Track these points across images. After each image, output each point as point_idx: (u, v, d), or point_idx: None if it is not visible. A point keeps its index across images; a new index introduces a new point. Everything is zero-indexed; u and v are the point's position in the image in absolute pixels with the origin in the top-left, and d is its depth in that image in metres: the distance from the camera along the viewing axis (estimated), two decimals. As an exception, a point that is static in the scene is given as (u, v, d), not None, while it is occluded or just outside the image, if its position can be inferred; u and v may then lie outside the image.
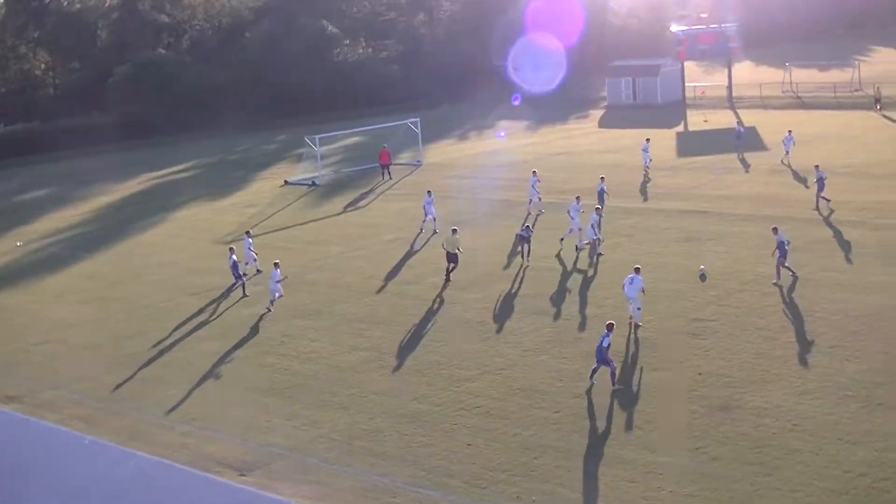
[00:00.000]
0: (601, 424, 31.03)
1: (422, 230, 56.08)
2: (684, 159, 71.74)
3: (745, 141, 75.20)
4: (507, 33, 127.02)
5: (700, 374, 34.06)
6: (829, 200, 54.44)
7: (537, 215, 58.43)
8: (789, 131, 68.08)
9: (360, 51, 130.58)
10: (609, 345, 33.10)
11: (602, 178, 59.42)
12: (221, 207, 71.47)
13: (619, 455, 28.88)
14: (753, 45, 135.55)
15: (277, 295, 44.81)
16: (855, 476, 26.49)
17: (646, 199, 60.76)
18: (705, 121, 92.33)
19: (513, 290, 44.99)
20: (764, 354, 35.20)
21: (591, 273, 46.75)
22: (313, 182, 76.56)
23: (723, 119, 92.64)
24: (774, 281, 42.41)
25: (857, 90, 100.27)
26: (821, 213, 53.48)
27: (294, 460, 30.18)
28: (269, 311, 44.58)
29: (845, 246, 47.11)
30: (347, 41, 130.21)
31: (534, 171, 61.33)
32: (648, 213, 56.91)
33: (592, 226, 49.12)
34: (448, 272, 47.25)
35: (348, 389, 35.51)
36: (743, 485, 26.60)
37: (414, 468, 29.16)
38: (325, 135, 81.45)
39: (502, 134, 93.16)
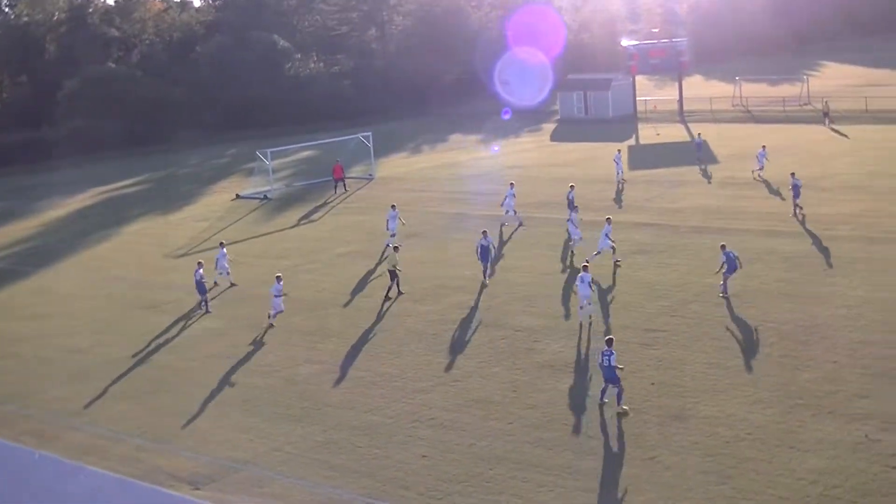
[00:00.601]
0: (555, 435, 31.06)
1: (388, 245, 55.72)
2: (636, 172, 72.06)
3: (704, 152, 75.88)
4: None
5: (653, 384, 34.21)
6: (801, 208, 55.48)
7: (517, 227, 58.50)
8: (763, 146, 68.17)
9: (312, 65, 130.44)
10: (615, 362, 32.02)
11: (572, 186, 60.05)
12: (172, 221, 71.08)
13: (574, 465, 28.95)
14: (704, 60, 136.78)
15: (279, 309, 43.99)
16: (807, 483, 26.69)
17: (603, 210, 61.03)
18: (657, 134, 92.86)
19: (466, 302, 44.98)
20: (716, 364, 35.41)
21: (542, 285, 46.82)
22: (265, 196, 76.33)
23: (674, 133, 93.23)
24: (721, 294, 42.67)
25: (805, 104, 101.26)
26: (797, 219, 54.16)
27: (248, 473, 30.04)
28: (272, 326, 43.79)
29: (796, 257, 47.48)
30: (299, 56, 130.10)
31: (511, 184, 61.26)
32: (601, 226, 57.01)
33: (606, 234, 48.85)
34: (388, 289, 47.01)
35: (302, 402, 35.39)
36: (696, 493, 26.74)
37: (369, 480, 29.10)
38: (277, 149, 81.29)
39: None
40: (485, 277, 47.77)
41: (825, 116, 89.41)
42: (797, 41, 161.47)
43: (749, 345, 36.95)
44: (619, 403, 32.16)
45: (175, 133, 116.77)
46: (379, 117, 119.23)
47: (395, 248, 48.30)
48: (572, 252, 51.15)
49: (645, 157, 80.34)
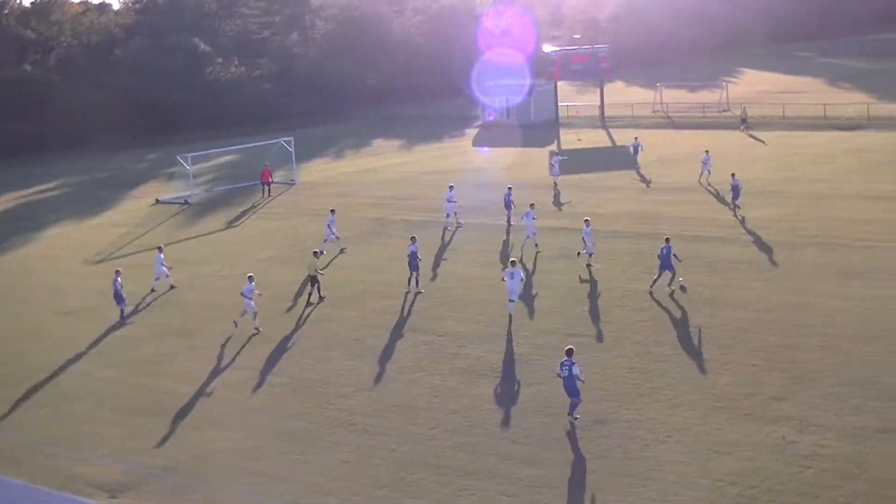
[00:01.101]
0: (477, 440, 31.08)
1: (343, 250, 55.45)
2: (558, 177, 72.29)
3: (628, 157, 76.68)
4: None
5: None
6: (739, 208, 57.15)
7: (455, 229, 58.62)
8: (707, 151, 68.65)
9: (234, 69, 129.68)
10: (578, 373, 31.25)
11: (510, 188, 61.26)
12: (91, 227, 70.17)
13: (497, 469, 28.98)
14: (625, 66, 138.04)
15: (252, 310, 42.93)
16: (725, 485, 26.98)
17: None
18: (579, 139, 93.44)
19: (389, 308, 44.88)
20: (637, 368, 35.67)
21: (466, 290, 46.86)
22: (186, 201, 75.68)
23: (596, 138, 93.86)
24: (668, 287, 44.07)
25: (725, 110, 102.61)
26: (737, 218, 54.91)
27: (169, 480, 29.70)
28: (258, 331, 42.69)
29: (716, 261, 47.99)
30: (220, 59, 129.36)
31: (450, 186, 61.16)
32: (523, 231, 57.28)
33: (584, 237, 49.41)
34: (310, 295, 46.81)
35: (224, 408, 35.09)
36: (617, 496, 26.91)
37: (290, 485, 28.92)
38: (198, 153, 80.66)
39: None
40: (408, 285, 47.06)
41: (742, 122, 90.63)
42: (716, 48, 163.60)
43: (670, 349, 37.26)
44: (570, 413, 31.52)
45: (93, 137, 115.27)
46: (301, 122, 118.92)
47: (315, 254, 47.94)
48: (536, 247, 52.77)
49: (567, 162, 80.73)
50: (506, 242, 55.72)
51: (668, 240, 44.78)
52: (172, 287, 50.62)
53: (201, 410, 35.08)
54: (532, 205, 53.42)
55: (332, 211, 57.42)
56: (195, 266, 54.92)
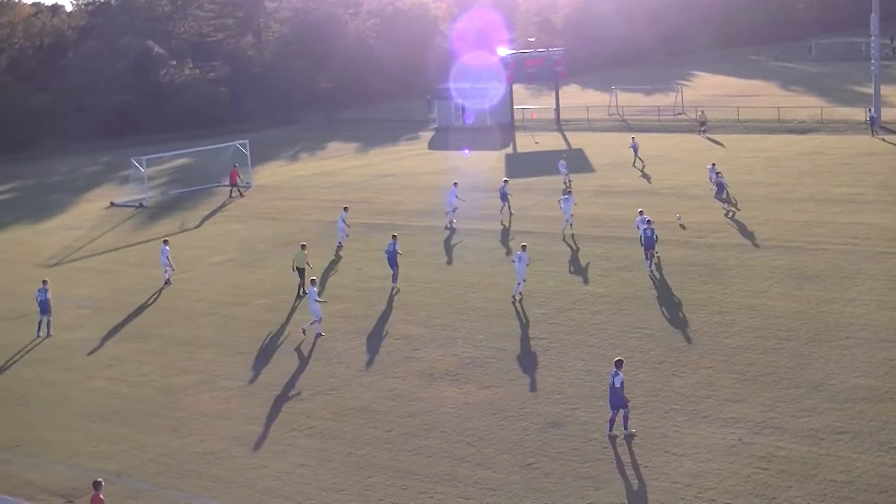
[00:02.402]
0: (434, 443, 31.03)
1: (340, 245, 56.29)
2: (513, 181, 72.18)
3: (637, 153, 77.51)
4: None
5: (531, 391, 34.38)
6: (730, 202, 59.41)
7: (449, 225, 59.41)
8: (712, 164, 66.60)
9: (188, 71, 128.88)
10: (622, 384, 30.44)
11: (505, 180, 63.26)
12: (43, 230, 69.51)
13: (453, 472, 28.94)
14: (580, 70, 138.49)
15: (318, 316, 41.84)
16: (682, 486, 27.07)
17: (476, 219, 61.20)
18: (536, 142, 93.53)
19: (344, 311, 44.74)
20: (593, 371, 35.72)
21: (422, 293, 46.79)
22: (140, 204, 75.16)
23: (552, 141, 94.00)
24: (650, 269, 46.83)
25: (680, 113, 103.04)
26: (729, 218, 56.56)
27: (122, 485, 29.43)
28: (321, 334, 41.68)
29: (669, 264, 48.17)
30: (174, 62, 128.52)
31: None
32: (478, 234, 57.37)
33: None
34: (300, 287, 46.91)
35: (178, 412, 34.83)
36: (574, 499, 26.94)
37: (246, 490, 28.76)
38: (152, 156, 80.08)
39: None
40: (394, 282, 47.74)
41: (701, 126, 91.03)
42: (669, 53, 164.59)
43: (625, 351, 37.30)
44: (624, 427, 30.65)
45: (44, 140, 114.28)
46: (255, 125, 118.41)
47: (303, 246, 48.63)
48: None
49: (522, 165, 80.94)
50: (505, 231, 57.65)
51: (650, 221, 47.91)
52: (167, 283, 50.97)
53: (155, 415, 34.79)
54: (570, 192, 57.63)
55: (346, 209, 57.81)
56: (150, 269, 54.44)
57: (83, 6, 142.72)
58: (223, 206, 72.58)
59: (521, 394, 34.18)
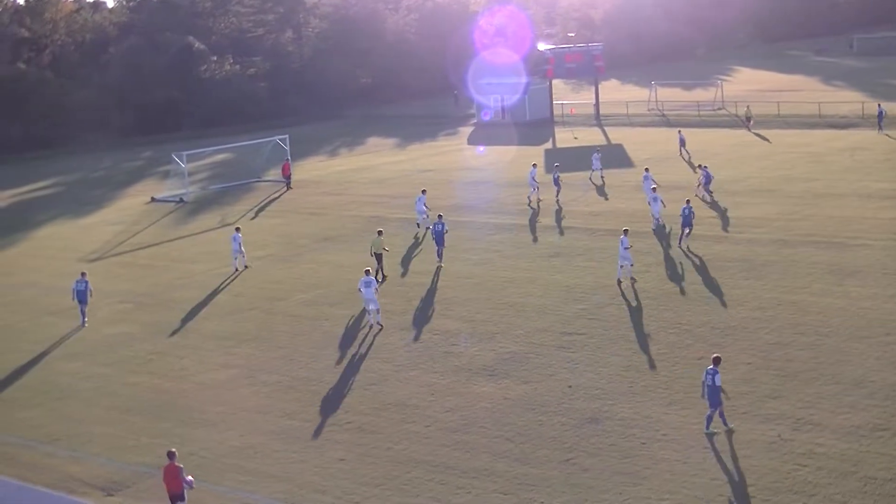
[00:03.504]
0: (473, 438, 31.04)
1: (426, 228, 57.01)
2: (601, 171, 71.59)
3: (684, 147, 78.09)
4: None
5: (570, 386, 34.35)
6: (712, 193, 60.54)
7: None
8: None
9: (228, 67, 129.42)
10: (720, 382, 29.89)
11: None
12: (85, 225, 70.06)
13: (491, 467, 28.95)
14: (619, 65, 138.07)
15: (376, 307, 41.99)
16: (721, 483, 26.96)
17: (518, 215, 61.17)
18: (575, 137, 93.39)
19: (383, 306, 44.76)
20: (632, 367, 35.65)
21: (460, 288, 46.83)
22: (181, 199, 75.59)
23: (591, 136, 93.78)
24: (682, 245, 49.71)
25: (720, 108, 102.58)
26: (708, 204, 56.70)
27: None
28: (381, 326, 42.01)
29: (710, 260, 47.98)
30: (214, 58, 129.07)
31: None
32: (517, 229, 57.33)
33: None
34: (379, 272, 48.22)
35: (217, 407, 35.02)
36: (612, 495, 26.88)
37: (285, 484, 28.86)
38: (192, 151, 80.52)
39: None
40: (439, 258, 50.35)
41: (748, 121, 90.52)
42: (710, 47, 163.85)
43: (664, 347, 37.24)
44: (724, 422, 30.24)
45: (87, 135, 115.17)
46: (295, 120, 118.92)
47: (379, 233, 49.73)
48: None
49: (561, 160, 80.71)
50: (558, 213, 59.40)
51: (688, 200, 50.46)
52: (246, 267, 52.49)
53: (195, 409, 34.99)
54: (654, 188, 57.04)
55: (424, 191, 59.22)
56: (190, 264, 54.88)
57: (124, 2, 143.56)
58: (277, 198, 72.92)
59: (559, 389, 34.14)
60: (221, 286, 50.12)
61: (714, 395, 29.80)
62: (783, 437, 29.28)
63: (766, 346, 36.54)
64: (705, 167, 62.29)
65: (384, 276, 48.38)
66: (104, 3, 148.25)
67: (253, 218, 67.36)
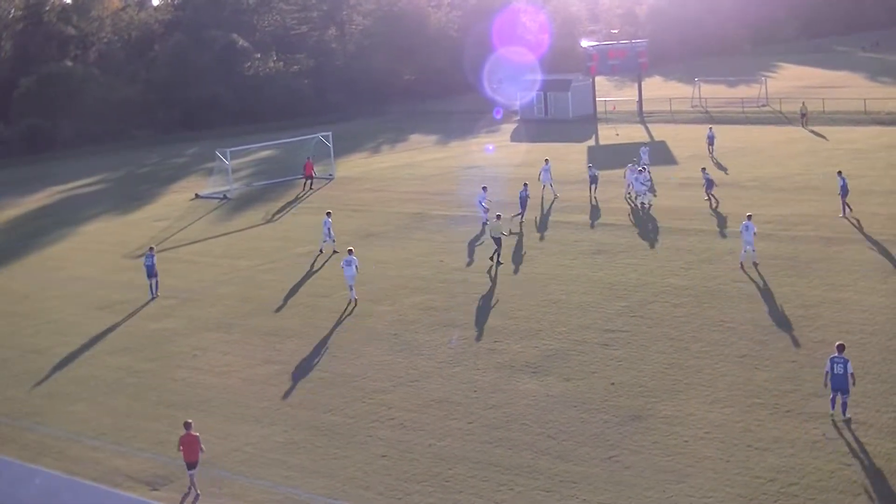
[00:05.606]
0: (515, 435, 31.08)
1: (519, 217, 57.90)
2: (648, 165, 71.34)
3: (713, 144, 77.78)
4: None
5: (612, 384, 34.31)
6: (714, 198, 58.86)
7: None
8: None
9: (271, 64, 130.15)
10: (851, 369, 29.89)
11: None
12: (131, 221, 70.62)
13: (533, 464, 28.98)
14: (663, 61, 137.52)
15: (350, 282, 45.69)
16: (765, 482, 26.86)
17: (553, 213, 61.08)
18: (617, 134, 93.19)
19: (425, 303, 44.93)
20: (675, 364, 35.56)
21: (503, 285, 46.86)
22: (224, 195, 76.01)
23: (634, 133, 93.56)
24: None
25: (764, 105, 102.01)
26: (711, 209, 54.63)
27: (206, 474, 29.78)
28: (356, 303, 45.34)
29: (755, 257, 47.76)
30: (258, 55, 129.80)
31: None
32: (559, 226, 57.27)
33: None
34: (495, 255, 49.75)
35: (261, 402, 35.23)
36: (655, 492, 26.85)
37: (328, 480, 29.02)
38: (236, 148, 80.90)
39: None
40: (521, 219, 56.85)
41: (802, 117, 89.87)
42: (754, 42, 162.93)
43: (708, 345, 37.12)
44: (844, 413, 30.11)
45: (132, 132, 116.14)
46: (338, 116, 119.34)
47: (498, 217, 51.36)
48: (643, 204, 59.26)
49: (604, 157, 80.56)
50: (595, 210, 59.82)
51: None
52: (334, 251, 54.03)
53: (238, 404, 35.22)
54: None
55: (484, 188, 59.94)
56: (234, 260, 55.21)
57: (170, 0, 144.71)
58: (299, 199, 73.02)
59: (601, 387, 34.11)
60: (264, 282, 50.40)
61: (845, 382, 29.71)
62: (828, 436, 29.14)
63: (811, 344, 36.33)
64: (705, 169, 61.65)
65: (500, 262, 49.73)
66: (150, 0, 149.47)
67: (296, 214, 67.63)
